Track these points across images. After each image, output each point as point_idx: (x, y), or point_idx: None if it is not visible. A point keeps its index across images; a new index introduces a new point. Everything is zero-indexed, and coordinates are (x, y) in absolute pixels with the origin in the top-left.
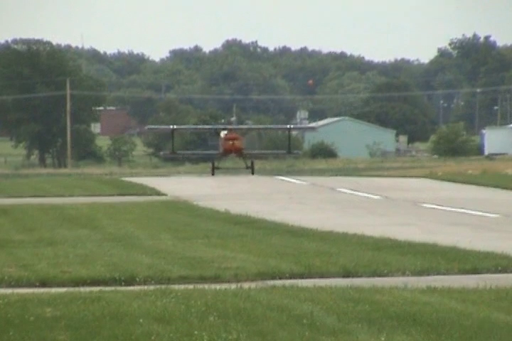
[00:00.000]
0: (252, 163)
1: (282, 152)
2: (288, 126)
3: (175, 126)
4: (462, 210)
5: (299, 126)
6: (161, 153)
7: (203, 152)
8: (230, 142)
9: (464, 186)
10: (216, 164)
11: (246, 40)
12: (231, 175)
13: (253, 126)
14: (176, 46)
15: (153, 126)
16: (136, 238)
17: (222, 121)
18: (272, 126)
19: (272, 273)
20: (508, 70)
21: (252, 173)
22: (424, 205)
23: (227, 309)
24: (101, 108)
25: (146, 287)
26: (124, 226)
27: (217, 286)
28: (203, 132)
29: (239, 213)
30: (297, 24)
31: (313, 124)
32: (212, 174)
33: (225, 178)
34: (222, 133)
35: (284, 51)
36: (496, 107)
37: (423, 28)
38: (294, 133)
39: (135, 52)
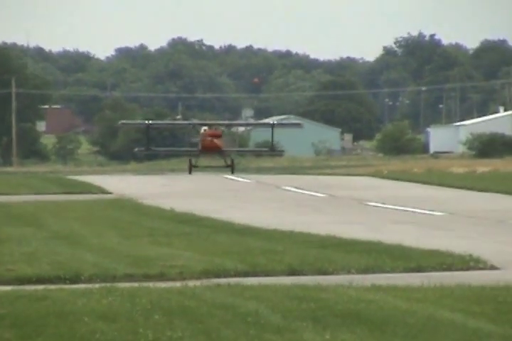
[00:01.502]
0: (232, 162)
1: (265, 149)
2: (271, 122)
3: (150, 122)
4: (407, 208)
5: (283, 122)
6: (136, 149)
7: (180, 149)
8: (210, 139)
9: (409, 184)
10: (194, 162)
11: (191, 38)
12: (176, 174)
13: (234, 122)
14: (122, 44)
15: (126, 121)
16: (82, 236)
17: (167, 119)
18: (254, 121)
19: (217, 272)
20: (453, 68)
21: (232, 172)
22: (370, 203)
23: (172, 307)
24: (46, 106)
25: (91, 285)
26: (69, 224)
27: (163, 284)
28: (179, 127)
29: (184, 211)
30: (242, 22)
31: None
32: (190, 173)
33: (171, 177)
34: (202, 129)
35: (230, 49)
36: (440, 105)
37: (368, 27)
38: (242, 129)
39: (80, 50)
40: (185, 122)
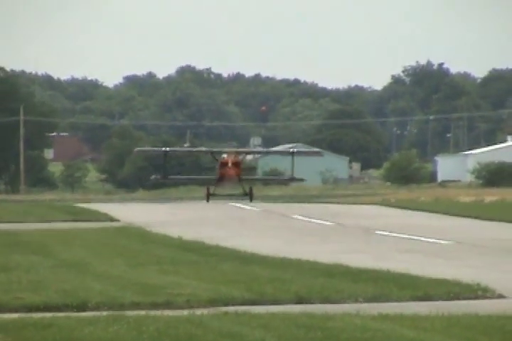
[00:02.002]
0: (251, 190)
1: (285, 178)
2: (291, 151)
3: (167, 149)
4: (415, 237)
5: (302, 150)
6: (152, 177)
7: (198, 177)
8: (229, 167)
9: (417, 213)
10: (212, 190)
11: (199, 66)
12: (184, 202)
13: (253, 150)
14: (130, 72)
15: (143, 149)
16: (89, 264)
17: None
18: (274, 149)
19: (224, 300)
20: (461, 98)
21: (251, 200)
22: (377, 232)
23: (179, 335)
24: (54, 134)
25: (98, 313)
26: (77, 252)
27: (170, 312)
28: (198, 155)
29: (192, 239)
30: (251, 51)
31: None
32: (207, 201)
33: (179, 205)
34: (221, 157)
35: (238, 78)
36: (448, 135)
37: (377, 55)
38: (247, 158)
39: (89, 78)
40: (204, 149)
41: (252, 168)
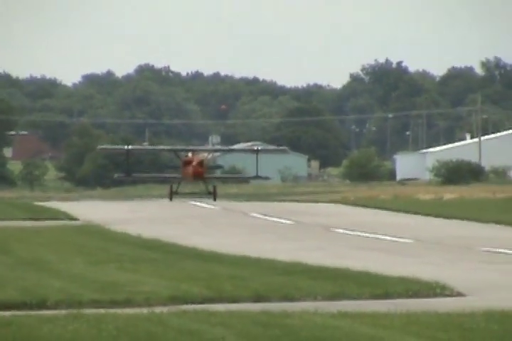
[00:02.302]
0: (215, 189)
1: (250, 176)
2: (256, 148)
3: (130, 147)
4: (374, 235)
5: (267, 147)
6: (116, 175)
7: (162, 175)
8: (193, 165)
9: (376, 211)
10: (175, 189)
11: (158, 64)
12: (144, 200)
13: (217, 148)
14: (89, 71)
15: (105, 147)
16: (48, 262)
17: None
18: (238, 148)
19: (184, 298)
20: (420, 95)
21: (214, 199)
22: (336, 230)
23: (139, 333)
24: (13, 132)
25: (57, 311)
26: (36, 250)
27: (129, 310)
28: (160, 153)
29: (151, 237)
30: (209, 49)
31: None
32: (170, 199)
33: (138, 203)
34: (185, 155)
35: (197, 76)
36: (407, 132)
37: (335, 54)
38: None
39: (47, 76)
40: (167, 147)
41: (217, 167)
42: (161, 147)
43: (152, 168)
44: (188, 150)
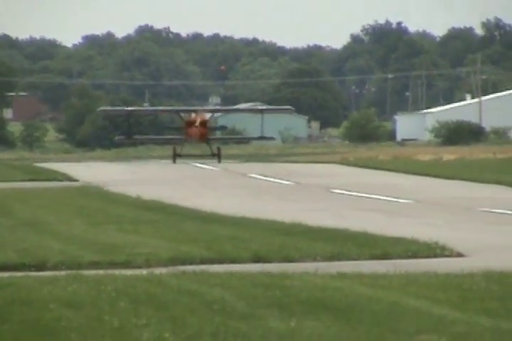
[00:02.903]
0: (219, 150)
1: (254, 137)
2: (260, 108)
3: (132, 108)
4: (373, 196)
5: (272, 107)
6: (116, 138)
7: (164, 137)
8: (196, 126)
9: (375, 172)
10: (178, 151)
11: (158, 26)
12: (144, 161)
13: (220, 108)
14: (89, 32)
15: (106, 108)
16: (48, 223)
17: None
18: (242, 107)
19: (183, 259)
20: (419, 56)
21: (219, 161)
22: (336, 191)
23: (138, 294)
24: (13, 94)
25: (57, 272)
26: (36, 211)
27: (128, 272)
28: (162, 115)
29: (151, 199)
30: (209, 10)
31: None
32: (174, 162)
33: (138, 164)
34: (187, 116)
35: (196, 37)
36: (407, 93)
37: (335, 14)
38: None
39: (47, 37)
40: (169, 108)
41: (221, 128)
42: (163, 108)
43: (152, 129)
44: (190, 111)
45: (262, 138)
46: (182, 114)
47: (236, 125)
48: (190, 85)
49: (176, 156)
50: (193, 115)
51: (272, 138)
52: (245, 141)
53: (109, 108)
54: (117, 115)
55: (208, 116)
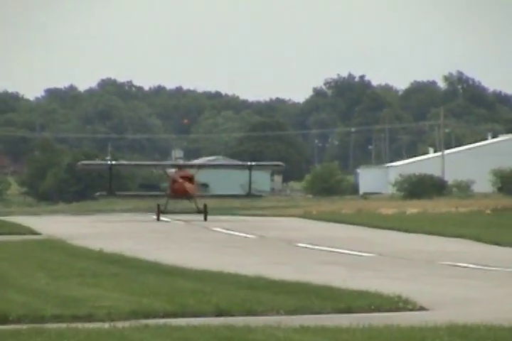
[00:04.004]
0: (205, 207)
1: (242, 194)
2: (249, 163)
3: (113, 162)
4: (337, 249)
5: (261, 163)
6: (97, 193)
7: (148, 193)
8: (181, 181)
9: (339, 225)
10: (163, 207)
11: (121, 79)
12: (105, 215)
13: (206, 163)
14: (51, 85)
15: (87, 162)
16: (10, 277)
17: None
18: (229, 163)
19: (146, 312)
20: (382, 110)
21: (205, 218)
22: (299, 244)
23: None
24: None
25: (19, 326)
26: None
27: (91, 325)
28: (146, 169)
29: (113, 252)
30: (172, 63)
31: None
32: (158, 219)
33: (100, 217)
34: (171, 171)
35: (159, 90)
36: (370, 147)
37: (298, 68)
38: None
39: (9, 90)
40: (153, 163)
41: (203, 185)
42: (147, 162)
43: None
44: (176, 166)
45: (249, 195)
46: (166, 169)
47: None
48: (153, 138)
49: (159, 213)
50: (178, 170)
51: (260, 196)
52: (233, 198)
53: (91, 162)
54: (98, 169)
55: (193, 171)
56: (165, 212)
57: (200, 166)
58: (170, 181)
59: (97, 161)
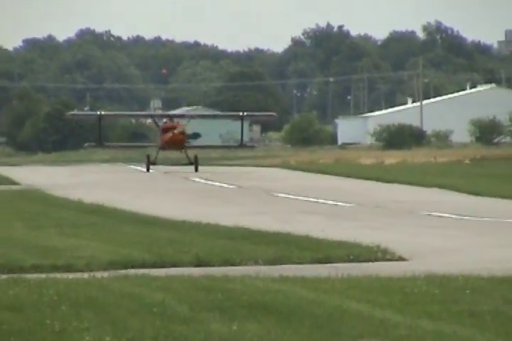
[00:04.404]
0: (196, 158)
1: (234, 145)
2: (241, 114)
3: (103, 112)
4: (316, 199)
5: (253, 113)
6: (86, 144)
7: (138, 144)
8: (173, 132)
9: (317, 175)
10: (152, 158)
11: (99, 29)
12: (83, 165)
13: (198, 113)
14: (30, 35)
15: (76, 113)
16: None
17: (75, 110)
18: (221, 113)
19: (124, 262)
20: (361, 59)
21: (196, 170)
22: (278, 194)
23: (79, 298)
24: None
25: None
26: None
27: (70, 275)
28: (136, 119)
29: (92, 202)
30: (150, 13)
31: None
32: (147, 170)
33: (78, 167)
34: (162, 122)
35: (138, 40)
36: (349, 97)
37: (277, 17)
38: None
39: None
40: (143, 113)
41: (194, 135)
42: (138, 112)
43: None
44: (166, 116)
45: (242, 146)
46: (157, 120)
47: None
48: (131, 88)
49: (149, 165)
50: (169, 121)
51: (253, 147)
52: (225, 149)
53: (80, 112)
54: (88, 119)
55: (184, 122)
56: (155, 163)
57: (192, 116)
58: (160, 131)
59: (86, 111)
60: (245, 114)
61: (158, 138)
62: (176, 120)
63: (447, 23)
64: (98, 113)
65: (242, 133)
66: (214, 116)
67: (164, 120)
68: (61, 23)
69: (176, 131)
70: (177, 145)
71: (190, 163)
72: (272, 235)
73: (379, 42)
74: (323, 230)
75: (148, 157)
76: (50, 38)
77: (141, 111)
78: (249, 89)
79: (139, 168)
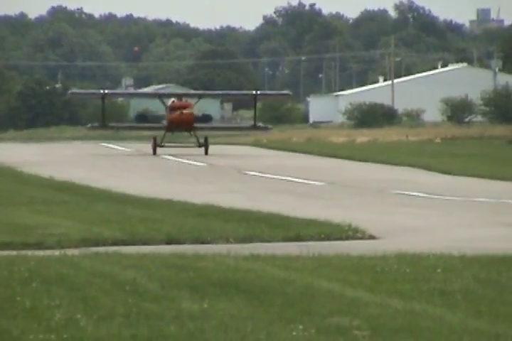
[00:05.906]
0: (206, 140)
1: (247, 126)
2: (254, 92)
3: (106, 91)
4: (286, 178)
5: (267, 92)
6: (89, 125)
7: (144, 124)
8: (179, 112)
9: (289, 154)
10: (160, 141)
11: (71, 6)
12: (55, 142)
13: (208, 92)
14: (1, 13)
15: (77, 91)
16: None
17: (47, 87)
18: (234, 92)
19: (96, 240)
20: (333, 38)
21: (206, 153)
22: (249, 173)
23: (51, 275)
24: None
25: None
26: None
27: (41, 253)
28: (142, 97)
29: (63, 180)
30: None
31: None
32: (154, 153)
33: (50, 145)
34: (170, 101)
35: (110, 18)
36: (320, 75)
37: None
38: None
39: None
40: (150, 92)
41: (206, 116)
42: (142, 91)
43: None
44: (174, 95)
45: (255, 127)
46: (164, 99)
47: (150, 107)
48: (103, 66)
49: (156, 147)
50: (177, 100)
51: (266, 128)
52: (238, 130)
53: (81, 91)
54: (90, 98)
55: (193, 101)
56: (162, 146)
57: (201, 95)
58: (168, 111)
59: (89, 90)
60: (259, 92)
61: (166, 119)
62: (184, 99)
63: (419, 2)
64: (101, 91)
65: (255, 114)
66: (225, 95)
67: (172, 99)
68: (33, 0)
69: (184, 111)
70: (186, 126)
71: (200, 146)
72: (243, 213)
73: (351, 21)
74: (294, 208)
75: (154, 139)
76: (22, 16)
77: (114, 89)
78: (222, 68)
79: (110, 145)
